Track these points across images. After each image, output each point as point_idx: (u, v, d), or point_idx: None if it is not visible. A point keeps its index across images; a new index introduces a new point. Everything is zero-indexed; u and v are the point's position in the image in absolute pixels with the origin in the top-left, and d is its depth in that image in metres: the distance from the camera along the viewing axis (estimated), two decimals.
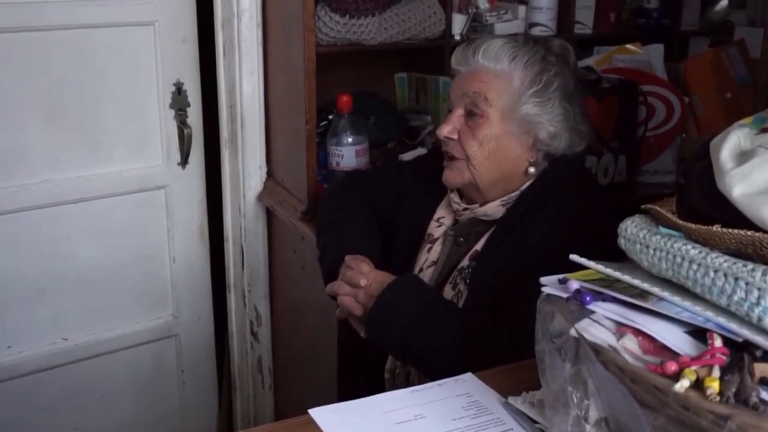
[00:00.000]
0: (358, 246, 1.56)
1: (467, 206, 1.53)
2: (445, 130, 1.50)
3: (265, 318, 2.37)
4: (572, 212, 1.43)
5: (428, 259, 1.57)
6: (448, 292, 1.48)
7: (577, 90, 1.51)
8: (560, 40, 1.55)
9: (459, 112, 1.50)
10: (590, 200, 1.51)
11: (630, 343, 0.81)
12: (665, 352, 0.79)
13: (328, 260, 1.59)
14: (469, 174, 1.48)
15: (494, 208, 1.49)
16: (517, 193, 1.48)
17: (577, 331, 0.83)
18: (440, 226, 1.59)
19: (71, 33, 2.03)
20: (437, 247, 1.57)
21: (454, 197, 1.56)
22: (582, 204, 1.47)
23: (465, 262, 1.49)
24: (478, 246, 1.49)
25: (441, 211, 1.60)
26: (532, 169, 1.48)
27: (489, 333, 1.32)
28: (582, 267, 0.94)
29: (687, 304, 0.82)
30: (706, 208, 0.85)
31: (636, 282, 0.88)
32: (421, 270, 1.57)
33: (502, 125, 1.46)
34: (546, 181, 1.48)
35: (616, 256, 0.96)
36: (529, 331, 0.92)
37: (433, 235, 1.59)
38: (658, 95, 2.21)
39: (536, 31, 2.34)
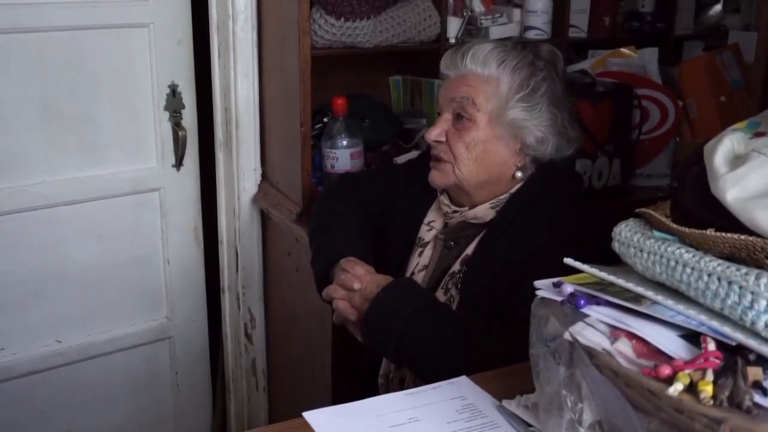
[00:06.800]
0: (350, 249, 1.55)
1: (457, 209, 1.53)
2: (434, 134, 1.50)
3: (260, 320, 2.37)
4: (562, 216, 1.43)
5: (419, 263, 1.56)
6: (440, 297, 1.48)
7: (566, 95, 1.52)
8: (549, 45, 1.56)
9: (447, 117, 1.50)
10: (579, 204, 1.51)
11: (624, 346, 0.81)
12: (659, 355, 0.79)
13: (319, 263, 1.58)
14: (455, 176, 1.49)
15: (483, 211, 1.49)
16: (506, 195, 1.49)
17: (571, 335, 0.83)
18: (431, 229, 1.59)
19: (66, 35, 2.02)
20: (428, 251, 1.57)
21: (444, 199, 1.56)
22: (571, 208, 1.47)
23: (456, 266, 1.49)
24: (469, 250, 1.49)
25: (432, 215, 1.60)
26: (519, 174, 1.49)
27: (484, 336, 1.32)
28: (576, 271, 0.95)
29: (681, 307, 0.82)
30: (700, 212, 0.85)
31: (630, 285, 0.88)
32: (412, 274, 1.56)
33: (490, 129, 1.46)
34: (536, 184, 1.48)
35: (604, 259, 0.96)
36: (524, 335, 0.92)
37: (423, 239, 1.59)
38: (653, 99, 2.21)
39: (531, 35, 2.35)
